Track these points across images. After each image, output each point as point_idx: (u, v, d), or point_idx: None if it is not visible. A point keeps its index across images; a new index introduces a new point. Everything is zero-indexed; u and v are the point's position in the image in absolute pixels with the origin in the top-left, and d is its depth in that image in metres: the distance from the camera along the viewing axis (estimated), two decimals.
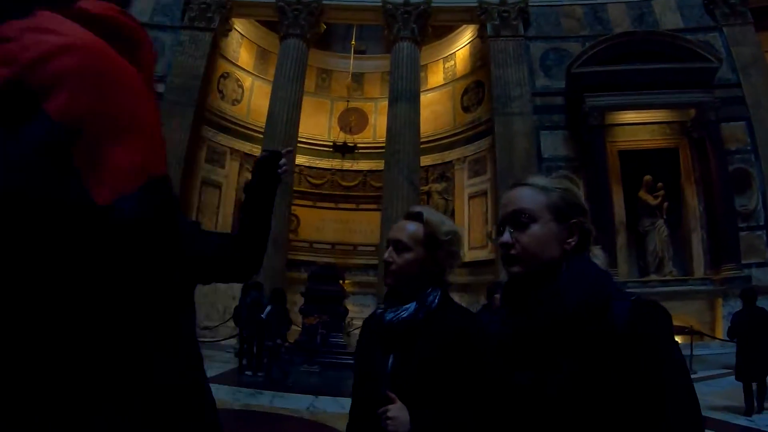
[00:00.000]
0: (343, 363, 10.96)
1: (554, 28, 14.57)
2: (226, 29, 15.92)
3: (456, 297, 13.68)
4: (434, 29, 15.95)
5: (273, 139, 13.97)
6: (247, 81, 17.05)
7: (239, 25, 16.70)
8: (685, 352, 9.99)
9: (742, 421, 6.31)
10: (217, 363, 9.58)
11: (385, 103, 15.30)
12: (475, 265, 14.90)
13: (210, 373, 7.81)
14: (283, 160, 1.78)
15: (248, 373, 9.35)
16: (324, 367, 10.17)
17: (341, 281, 12.65)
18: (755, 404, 6.79)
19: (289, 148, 1.99)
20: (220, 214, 15.71)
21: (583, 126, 12.72)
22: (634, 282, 11.86)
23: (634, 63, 12.26)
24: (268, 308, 9.35)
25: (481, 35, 15.33)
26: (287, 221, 14.40)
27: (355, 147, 15.70)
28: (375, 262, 14.49)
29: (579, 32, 14.29)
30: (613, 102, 12.50)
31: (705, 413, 6.44)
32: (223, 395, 7.44)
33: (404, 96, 14.30)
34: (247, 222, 1.68)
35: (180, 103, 14.03)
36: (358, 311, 15.83)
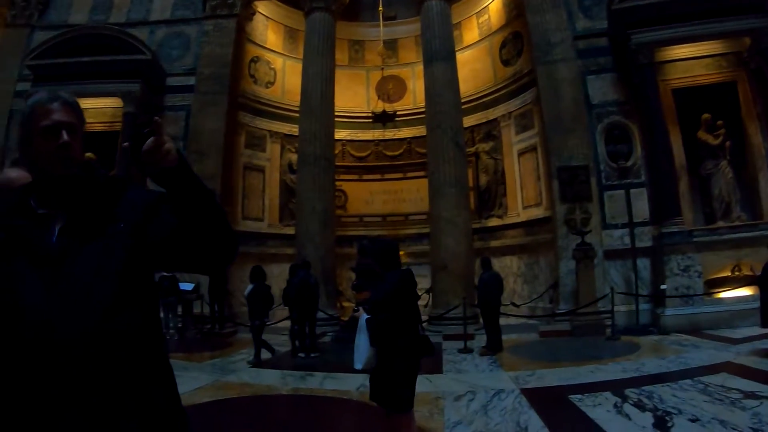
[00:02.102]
0: None
1: None
2: (249, 13, 15.68)
3: (514, 259, 13.11)
4: None
5: (309, 116, 13.78)
6: (278, 62, 16.79)
7: (262, 7, 16.39)
8: (756, 304, 9.08)
9: None
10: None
11: (422, 66, 14.72)
12: (530, 225, 14.38)
13: (264, 357, 7.62)
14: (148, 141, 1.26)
15: (301, 355, 9.17)
16: None
17: None
18: None
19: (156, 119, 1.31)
20: (265, 196, 15.71)
21: (632, 66, 11.75)
22: (700, 230, 11.05)
23: None
24: (249, 287, 9.06)
25: None
26: (333, 197, 14.22)
27: (394, 114, 15.23)
28: (427, 230, 14.14)
29: None
30: (660, 36, 11.40)
31: None
32: (273, 380, 7.32)
33: (439, 55, 13.69)
34: (178, 214, 1.36)
35: (212, 93, 13.98)
36: None
